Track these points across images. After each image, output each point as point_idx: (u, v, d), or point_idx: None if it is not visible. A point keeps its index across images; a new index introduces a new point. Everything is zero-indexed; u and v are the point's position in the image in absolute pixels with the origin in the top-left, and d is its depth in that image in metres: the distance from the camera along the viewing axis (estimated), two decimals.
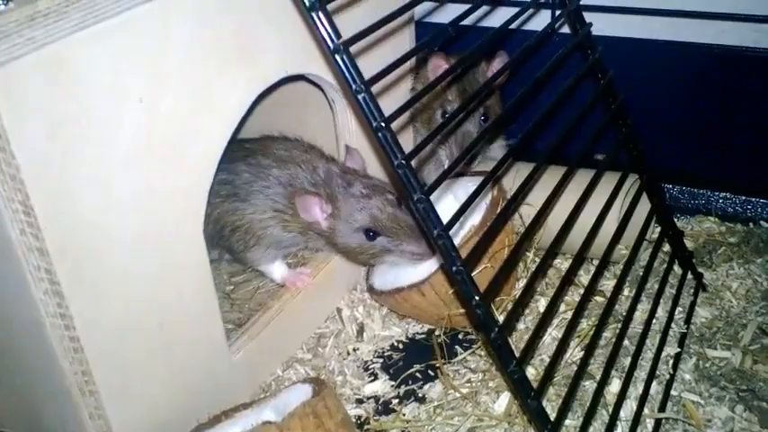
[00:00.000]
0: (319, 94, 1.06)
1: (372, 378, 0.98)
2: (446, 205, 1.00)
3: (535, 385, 0.66)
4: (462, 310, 0.95)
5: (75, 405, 0.70)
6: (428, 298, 0.96)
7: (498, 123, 1.04)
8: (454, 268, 0.63)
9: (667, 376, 0.90)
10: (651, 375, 0.87)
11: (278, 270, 1.03)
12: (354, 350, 1.03)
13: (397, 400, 0.95)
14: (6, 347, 0.72)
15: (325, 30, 0.59)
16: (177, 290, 0.79)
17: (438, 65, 1.11)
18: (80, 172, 0.64)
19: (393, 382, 0.97)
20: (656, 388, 0.88)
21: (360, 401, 0.95)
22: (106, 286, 0.70)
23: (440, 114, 1.16)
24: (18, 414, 0.79)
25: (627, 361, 0.90)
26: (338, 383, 0.97)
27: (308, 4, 0.58)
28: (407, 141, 1.17)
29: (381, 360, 1.01)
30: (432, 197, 0.62)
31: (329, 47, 0.59)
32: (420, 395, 0.95)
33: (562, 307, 1.00)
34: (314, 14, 0.58)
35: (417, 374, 0.98)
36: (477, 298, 0.63)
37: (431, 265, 0.95)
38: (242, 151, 1.01)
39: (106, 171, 0.66)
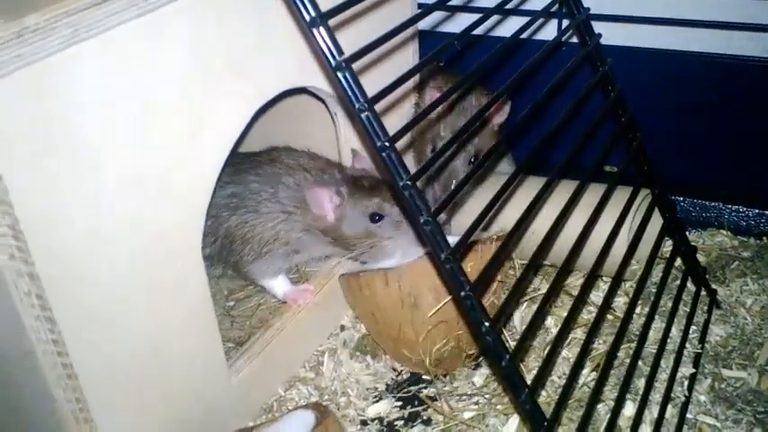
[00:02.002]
0: (321, 106, 1.03)
1: (377, 398, 0.96)
2: None
3: (545, 408, 0.63)
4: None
5: None
6: (390, 291, 0.90)
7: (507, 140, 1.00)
8: (462, 293, 0.60)
9: (682, 398, 0.87)
10: (666, 398, 0.84)
11: (280, 286, 1.01)
12: (358, 369, 1.00)
13: (402, 422, 0.92)
14: (0, 375, 0.70)
15: (327, 46, 0.56)
16: (174, 312, 0.76)
17: (434, 96, 1.06)
18: (70, 194, 0.61)
19: (398, 403, 0.95)
20: (671, 411, 0.85)
21: (364, 423, 0.92)
22: (99, 311, 0.67)
23: (429, 150, 1.11)
24: None
25: (640, 382, 0.87)
26: (341, 404, 0.94)
27: (308, 19, 0.55)
28: (408, 162, 1.15)
29: (386, 379, 0.99)
30: None
31: (331, 64, 0.56)
32: (426, 417, 0.92)
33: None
34: (315, 30, 0.56)
35: (423, 395, 0.95)
36: (486, 324, 0.61)
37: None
38: (249, 163, 1.01)
39: (97, 193, 0.64)
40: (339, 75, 0.57)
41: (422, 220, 0.60)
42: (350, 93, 0.57)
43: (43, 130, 0.58)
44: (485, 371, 0.96)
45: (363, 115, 0.57)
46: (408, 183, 0.59)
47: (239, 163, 1.00)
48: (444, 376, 0.96)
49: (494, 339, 0.61)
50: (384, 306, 0.92)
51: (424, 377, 0.97)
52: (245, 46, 0.77)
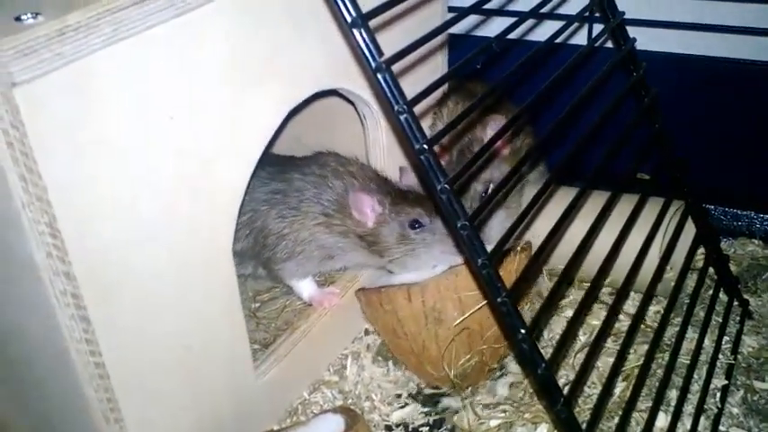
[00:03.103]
0: (348, 108, 1.03)
1: (402, 404, 0.95)
2: None
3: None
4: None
5: None
6: (413, 306, 0.89)
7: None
8: (499, 299, 0.60)
9: (715, 410, 0.86)
10: (699, 409, 0.83)
11: (307, 288, 1.01)
12: (379, 374, 1.00)
13: (426, 428, 0.91)
14: (29, 374, 0.70)
15: (368, 47, 0.55)
16: (204, 313, 0.76)
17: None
18: (108, 193, 0.61)
19: (423, 409, 0.94)
20: (703, 423, 0.84)
21: (389, 428, 0.91)
22: (131, 310, 0.67)
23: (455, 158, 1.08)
24: None
25: (671, 393, 0.86)
26: (365, 409, 0.94)
27: (350, 20, 0.55)
28: None
29: (411, 384, 0.98)
30: None
31: (371, 65, 0.56)
32: (451, 426, 0.91)
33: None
34: (356, 31, 0.55)
35: (448, 401, 0.94)
36: (522, 331, 0.60)
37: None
38: (295, 164, 1.02)
39: (134, 192, 0.64)
40: (379, 76, 0.56)
41: (459, 225, 0.59)
42: (389, 94, 0.57)
43: (82, 129, 0.58)
44: (507, 380, 0.95)
45: (402, 117, 0.57)
46: (446, 186, 0.58)
47: (285, 163, 1.01)
48: (466, 389, 0.94)
49: (530, 347, 0.60)
50: (406, 322, 0.90)
51: (443, 388, 0.96)
52: (280, 47, 0.77)
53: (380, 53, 0.56)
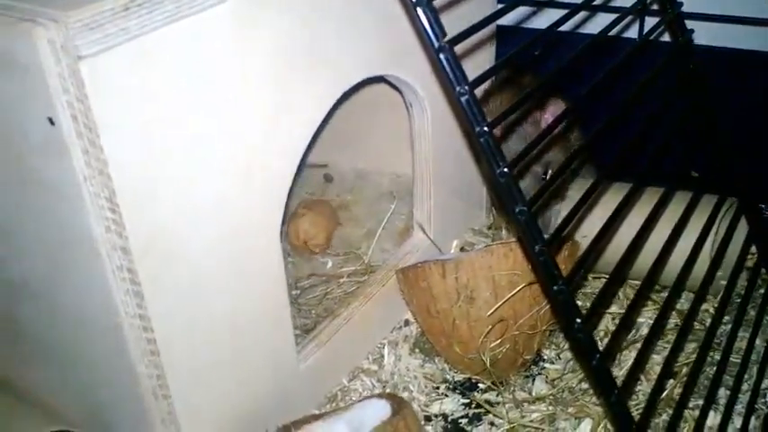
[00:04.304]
0: (392, 97, 1.03)
1: (441, 395, 0.94)
2: None
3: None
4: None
5: (148, 409, 0.68)
6: (446, 283, 0.87)
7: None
8: (555, 287, 0.59)
9: (765, 410, 0.84)
10: (750, 410, 0.81)
11: None
12: (416, 366, 0.99)
13: (466, 420, 0.90)
14: (83, 347, 0.70)
15: (432, 27, 0.55)
16: (251, 295, 0.76)
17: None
18: (165, 170, 0.62)
19: (463, 400, 0.93)
20: (753, 423, 0.82)
21: (428, 419, 0.91)
22: (183, 288, 0.67)
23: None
24: (89, 415, 0.78)
25: (721, 392, 0.84)
26: (404, 399, 0.93)
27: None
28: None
29: (447, 377, 0.97)
30: None
31: (434, 45, 0.55)
32: (491, 419, 0.90)
33: (646, 330, 0.94)
34: (420, 10, 0.55)
35: (488, 394, 0.93)
36: (578, 321, 0.59)
37: None
38: None
39: (191, 171, 0.64)
40: (442, 56, 0.55)
41: (516, 210, 0.58)
42: (451, 75, 0.56)
43: (144, 105, 0.58)
44: (544, 377, 0.94)
45: (464, 99, 0.56)
46: (506, 170, 0.57)
47: None
48: (501, 384, 0.93)
49: (585, 337, 0.59)
50: (439, 298, 0.89)
51: (481, 383, 0.95)
52: (330, 33, 0.77)
53: (444, 33, 0.55)
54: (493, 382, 0.92)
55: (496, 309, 0.86)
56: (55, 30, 0.51)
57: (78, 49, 0.52)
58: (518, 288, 0.84)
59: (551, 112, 1.01)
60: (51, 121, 0.55)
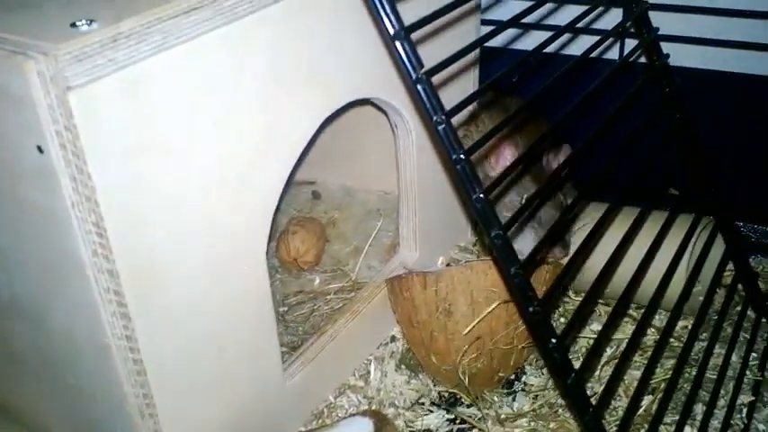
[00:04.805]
0: (378, 116, 1.05)
1: (426, 411, 0.96)
2: None
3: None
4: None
5: (135, 428, 0.69)
6: (427, 294, 0.90)
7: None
8: (531, 309, 0.60)
9: (741, 426, 0.86)
10: (725, 425, 0.83)
11: None
12: (401, 382, 1.00)
13: None
14: (72, 366, 0.72)
15: (409, 59, 0.57)
16: (238, 314, 0.78)
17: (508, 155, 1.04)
18: (152, 195, 0.63)
19: (448, 416, 0.94)
20: None
21: None
22: (169, 309, 0.69)
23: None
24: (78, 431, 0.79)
25: (697, 408, 0.85)
26: (390, 415, 0.95)
27: (392, 32, 0.56)
28: None
29: (432, 393, 0.98)
30: None
31: (411, 76, 0.57)
32: None
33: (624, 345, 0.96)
34: (398, 43, 0.57)
35: (472, 409, 0.95)
36: (553, 341, 0.61)
37: None
38: None
39: (178, 195, 0.66)
40: (419, 87, 0.57)
41: (492, 234, 0.60)
42: (428, 105, 0.58)
43: (132, 132, 0.60)
44: (526, 393, 0.95)
45: (441, 128, 0.58)
46: (481, 196, 0.59)
47: None
48: (477, 399, 0.94)
49: (560, 356, 0.61)
50: (420, 309, 0.92)
51: (464, 399, 0.96)
52: (319, 57, 0.79)
53: (421, 65, 0.58)
54: (472, 399, 0.94)
55: (473, 327, 0.88)
56: (45, 62, 0.53)
57: (67, 80, 0.54)
58: (494, 305, 0.87)
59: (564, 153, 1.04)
60: (40, 149, 0.56)
